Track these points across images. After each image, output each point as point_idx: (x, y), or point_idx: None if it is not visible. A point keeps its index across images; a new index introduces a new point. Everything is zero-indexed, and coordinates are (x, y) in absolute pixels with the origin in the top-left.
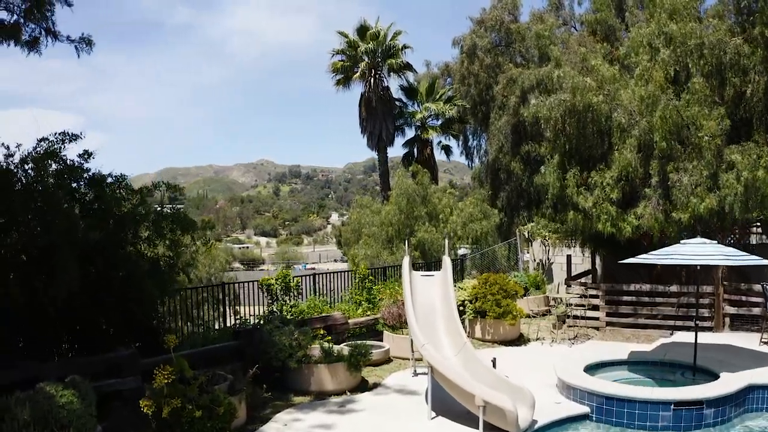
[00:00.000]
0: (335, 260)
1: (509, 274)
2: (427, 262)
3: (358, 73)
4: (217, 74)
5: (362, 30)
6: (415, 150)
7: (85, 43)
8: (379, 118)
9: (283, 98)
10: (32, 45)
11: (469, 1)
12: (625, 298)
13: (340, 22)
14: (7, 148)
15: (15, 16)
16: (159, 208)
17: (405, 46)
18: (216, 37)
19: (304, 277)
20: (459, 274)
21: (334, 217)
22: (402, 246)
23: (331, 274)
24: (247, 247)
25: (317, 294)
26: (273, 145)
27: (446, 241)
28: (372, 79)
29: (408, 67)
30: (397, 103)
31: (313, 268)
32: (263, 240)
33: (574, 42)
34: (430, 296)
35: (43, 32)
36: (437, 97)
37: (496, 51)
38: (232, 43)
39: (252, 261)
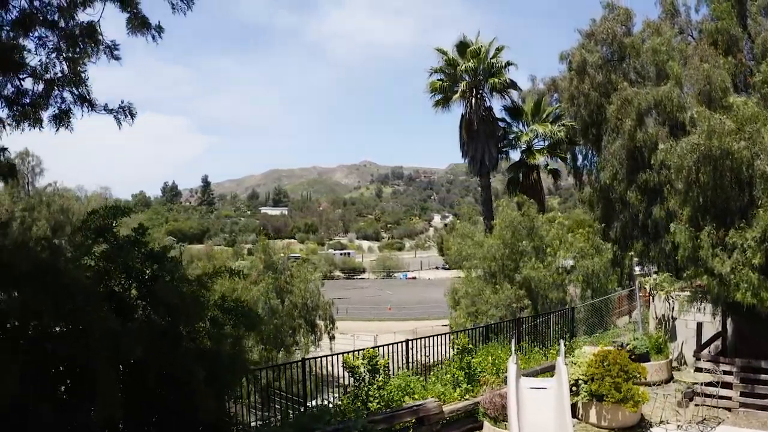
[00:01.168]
0: (437, 267)
1: (624, 335)
2: (534, 301)
3: (458, 94)
4: (321, 76)
5: (462, 47)
6: (521, 175)
7: (126, 113)
8: (481, 141)
9: (385, 99)
10: (61, 119)
11: (577, 9)
12: (764, 376)
13: (439, 23)
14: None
15: (42, 85)
16: (221, 301)
17: (509, 63)
18: (318, 40)
19: (395, 345)
20: (568, 325)
21: (436, 220)
22: (505, 284)
23: (428, 339)
24: (349, 254)
25: (410, 364)
26: (375, 146)
27: (561, 344)
28: (473, 99)
29: (512, 85)
30: (500, 123)
31: (414, 277)
32: (365, 244)
33: (693, 53)
34: (542, 417)
35: (76, 101)
36: (544, 116)
37: (607, 67)
38: (334, 46)
39: (352, 270)
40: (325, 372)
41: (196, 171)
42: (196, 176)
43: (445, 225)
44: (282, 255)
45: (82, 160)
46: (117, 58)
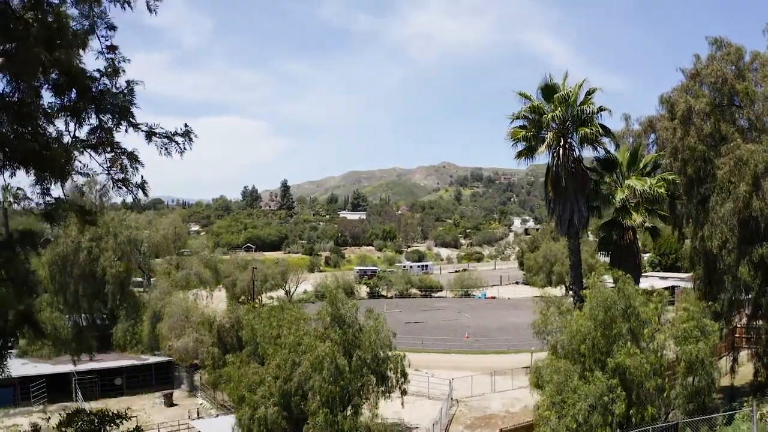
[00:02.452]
0: (516, 282)
1: None
2: (628, 390)
3: (543, 145)
4: (400, 78)
5: (548, 90)
6: (614, 234)
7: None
8: (569, 198)
9: (463, 99)
10: None
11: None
12: None
13: (517, 21)
14: None
15: None
16: None
17: (601, 109)
18: (397, 41)
19: None
20: None
21: (516, 224)
22: (597, 373)
23: None
24: (426, 266)
25: None
26: (454, 146)
27: None
28: (560, 150)
29: (605, 132)
30: (591, 175)
31: (494, 297)
32: (443, 252)
33: None
34: None
35: None
36: (640, 166)
37: (716, 114)
38: (412, 47)
39: (430, 288)
40: None
41: (276, 173)
42: (275, 178)
43: (526, 231)
44: (351, 307)
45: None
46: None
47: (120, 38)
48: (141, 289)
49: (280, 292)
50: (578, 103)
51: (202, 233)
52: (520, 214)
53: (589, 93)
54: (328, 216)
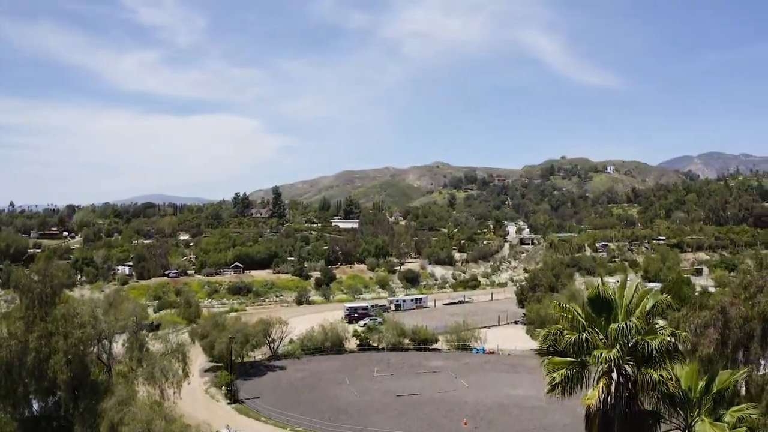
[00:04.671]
0: (516, 322)
1: None
2: None
3: (593, 392)
4: (394, 76)
5: (598, 303)
6: None
7: None
8: None
9: (458, 97)
10: None
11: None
12: None
13: (514, 18)
14: None
15: None
16: None
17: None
18: (391, 39)
19: None
20: None
21: (511, 232)
22: None
23: None
24: (420, 300)
25: None
26: (448, 146)
27: None
28: (612, 387)
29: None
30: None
31: (492, 352)
32: (438, 271)
33: None
34: None
35: None
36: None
37: None
38: (407, 45)
39: (424, 341)
40: None
41: (270, 171)
42: (270, 177)
43: (521, 241)
44: None
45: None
46: None
47: (113, 37)
48: (103, 376)
49: (265, 348)
50: (642, 321)
51: (191, 244)
52: (515, 219)
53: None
54: (320, 224)
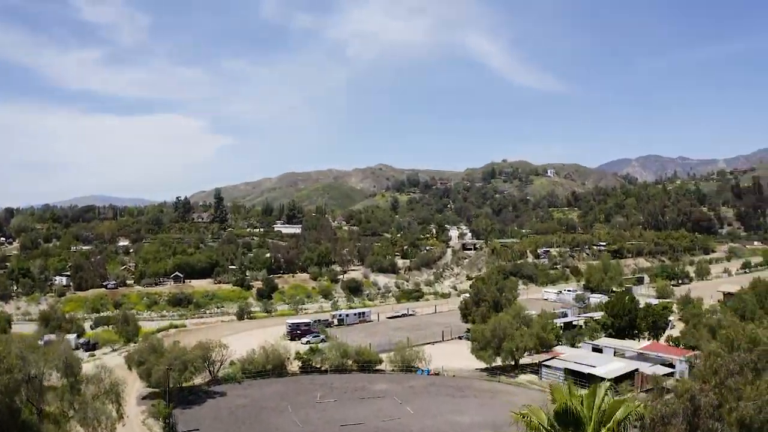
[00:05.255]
0: (459, 337)
1: None
2: None
3: None
4: (338, 77)
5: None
6: None
7: None
8: None
9: (401, 99)
10: None
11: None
12: None
13: (456, 21)
14: None
15: None
16: None
17: None
18: (336, 40)
19: None
20: None
21: (454, 237)
22: None
23: None
24: (363, 314)
25: None
26: (391, 148)
27: None
28: None
29: None
30: None
31: (437, 374)
32: (381, 280)
33: None
34: None
35: None
36: None
37: None
38: (351, 46)
39: (368, 363)
40: None
41: (214, 172)
42: (212, 178)
43: (464, 246)
44: None
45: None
46: None
47: (56, 35)
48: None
49: (205, 372)
50: None
51: (131, 251)
52: (457, 222)
53: None
54: (262, 229)
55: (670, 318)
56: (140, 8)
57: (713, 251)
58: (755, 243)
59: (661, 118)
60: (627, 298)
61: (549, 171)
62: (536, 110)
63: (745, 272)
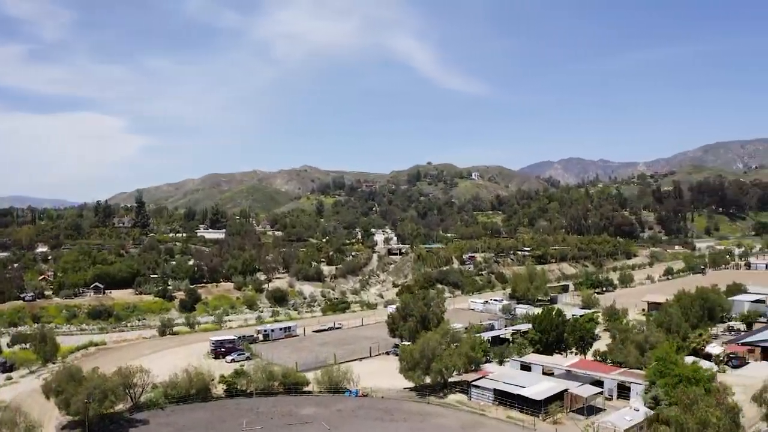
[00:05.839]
0: (387, 353)
1: None
2: None
3: None
4: (264, 78)
5: None
6: None
7: None
8: None
9: (327, 100)
10: None
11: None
12: None
13: (383, 23)
14: None
15: None
16: None
17: None
18: (262, 40)
19: None
20: None
21: (380, 242)
22: None
23: None
24: (289, 328)
25: None
26: (317, 149)
27: None
28: None
29: None
30: None
31: (366, 395)
32: (306, 289)
33: None
34: None
35: None
36: None
37: None
38: (277, 46)
39: (295, 385)
40: None
41: (135, 172)
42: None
43: (389, 251)
44: None
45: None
46: None
47: None
48: None
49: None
50: None
51: (50, 258)
52: (383, 226)
53: None
54: (185, 234)
55: (596, 330)
56: (63, 3)
57: (635, 255)
58: (676, 247)
59: (583, 122)
60: (554, 312)
61: (474, 174)
62: (462, 113)
63: (668, 278)
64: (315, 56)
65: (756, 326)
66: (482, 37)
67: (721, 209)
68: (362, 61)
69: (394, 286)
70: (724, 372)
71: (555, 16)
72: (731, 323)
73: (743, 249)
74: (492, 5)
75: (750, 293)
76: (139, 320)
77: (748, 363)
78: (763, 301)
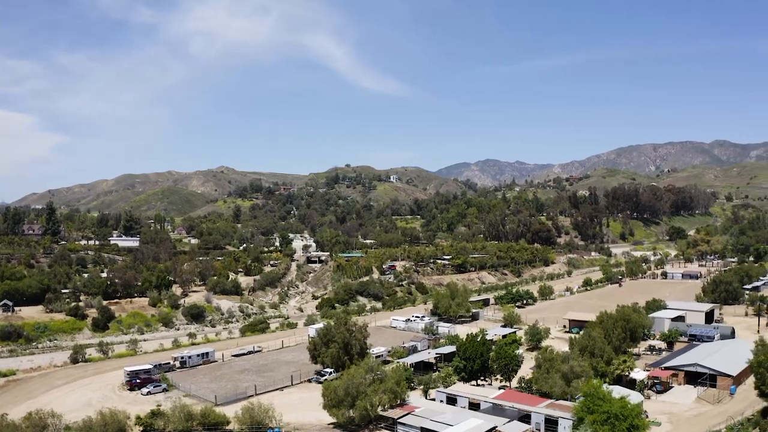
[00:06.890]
0: (309, 380)
1: None
2: None
3: None
4: (179, 75)
5: None
6: None
7: None
8: None
9: (243, 100)
10: None
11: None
12: None
13: (301, 22)
14: None
15: None
16: None
17: None
18: (177, 36)
19: None
20: None
21: (298, 249)
22: None
23: None
24: (207, 355)
25: None
26: (233, 150)
27: None
28: None
29: None
30: None
31: None
32: (224, 304)
33: None
34: None
35: None
36: None
37: None
38: (193, 43)
39: (215, 425)
40: None
41: (46, 171)
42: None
43: (308, 259)
44: None
45: None
46: None
47: None
48: None
49: None
50: None
51: None
52: (301, 231)
53: None
54: (98, 242)
55: (519, 351)
56: None
57: (553, 263)
58: (593, 253)
59: (499, 125)
60: (479, 339)
61: (392, 176)
62: (380, 113)
63: (587, 290)
64: (231, 54)
65: (677, 346)
66: (400, 37)
67: (635, 214)
68: (280, 61)
69: (314, 298)
70: (648, 398)
71: (472, 16)
72: (652, 342)
73: (659, 256)
74: (410, 5)
75: (669, 308)
76: (50, 341)
77: (672, 387)
78: (682, 317)
